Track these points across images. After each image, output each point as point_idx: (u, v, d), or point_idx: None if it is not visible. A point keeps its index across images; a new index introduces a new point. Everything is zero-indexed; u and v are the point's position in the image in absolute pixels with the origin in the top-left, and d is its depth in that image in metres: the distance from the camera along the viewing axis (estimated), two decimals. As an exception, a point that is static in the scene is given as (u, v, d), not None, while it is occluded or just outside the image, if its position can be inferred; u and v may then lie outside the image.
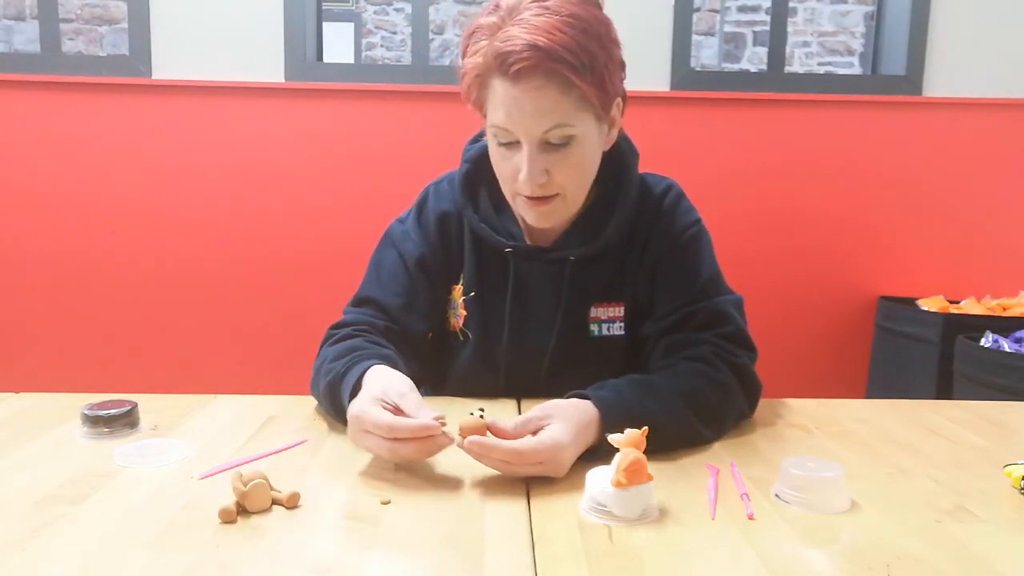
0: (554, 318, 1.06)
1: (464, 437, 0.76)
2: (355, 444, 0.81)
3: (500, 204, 1.06)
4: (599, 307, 1.07)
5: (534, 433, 0.79)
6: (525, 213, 1.00)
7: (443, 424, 0.77)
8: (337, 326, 1.05)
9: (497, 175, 1.00)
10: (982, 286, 2.42)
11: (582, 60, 0.87)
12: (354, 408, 0.80)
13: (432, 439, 0.77)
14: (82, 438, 0.89)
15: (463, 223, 1.09)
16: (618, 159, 1.05)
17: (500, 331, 1.08)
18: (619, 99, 0.98)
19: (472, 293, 1.09)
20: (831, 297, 2.49)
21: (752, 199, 2.46)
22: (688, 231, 1.06)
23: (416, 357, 1.06)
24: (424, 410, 0.78)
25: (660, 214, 1.07)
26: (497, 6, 0.91)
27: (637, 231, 1.06)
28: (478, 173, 1.07)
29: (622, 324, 1.07)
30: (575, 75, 0.87)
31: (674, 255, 1.05)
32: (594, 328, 1.07)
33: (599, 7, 0.93)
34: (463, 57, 0.94)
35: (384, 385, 0.83)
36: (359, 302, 1.09)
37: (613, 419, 0.82)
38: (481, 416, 0.77)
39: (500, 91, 0.90)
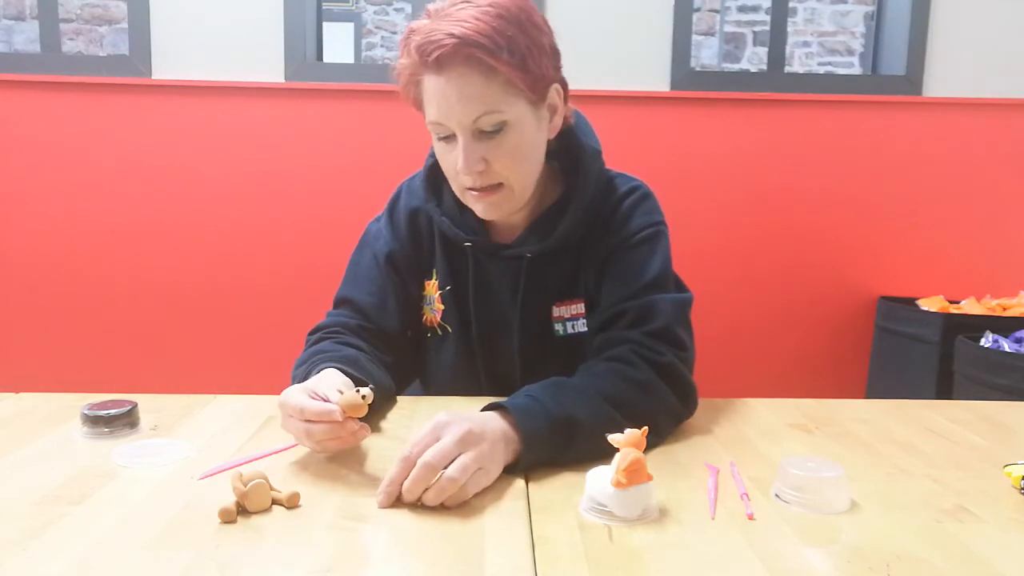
0: (513, 315, 1.07)
1: (343, 413, 0.76)
2: (285, 430, 0.83)
3: None
4: (560, 306, 1.08)
5: None
6: (474, 206, 1.01)
7: (364, 399, 0.76)
8: (314, 330, 1.07)
9: (444, 171, 1.02)
10: (982, 286, 2.42)
11: (498, 43, 0.90)
12: (281, 396, 0.82)
13: (339, 425, 0.76)
14: (82, 438, 0.89)
15: (432, 217, 1.11)
16: (577, 156, 1.05)
17: (471, 326, 1.09)
18: (556, 86, 0.99)
19: (448, 287, 1.11)
20: (831, 297, 2.50)
21: (752, 199, 2.46)
22: (642, 232, 1.05)
23: (393, 352, 1.07)
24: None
25: (617, 213, 1.06)
26: (428, 12, 0.94)
27: (595, 230, 1.07)
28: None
29: (585, 321, 1.08)
30: (493, 59, 0.90)
31: (622, 254, 1.04)
32: (559, 327, 1.08)
33: None
34: (398, 60, 0.97)
35: (320, 380, 0.85)
36: (337, 303, 1.12)
37: (528, 421, 0.81)
38: (363, 397, 0.76)
39: (429, 87, 0.93)
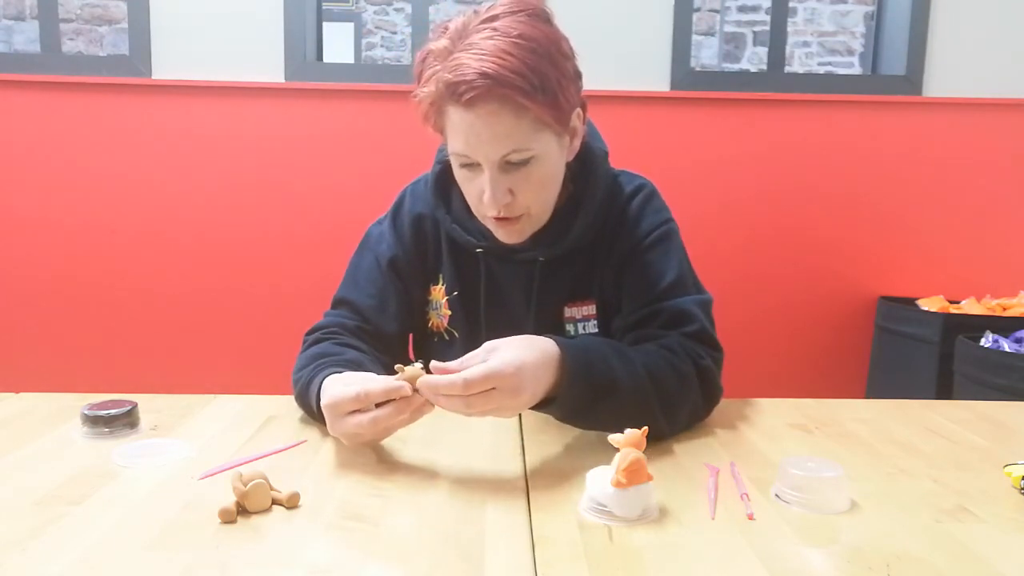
0: (527, 318, 1.07)
1: (410, 387, 0.78)
2: (338, 435, 0.82)
3: None
4: (572, 307, 1.08)
5: None
6: (495, 231, 1.01)
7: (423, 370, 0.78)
8: (312, 330, 1.07)
9: (465, 196, 1.01)
10: (982, 286, 2.42)
11: (533, 83, 0.87)
12: (325, 400, 0.82)
13: (406, 401, 0.78)
14: (82, 438, 0.89)
15: (439, 223, 1.11)
16: (586, 159, 1.05)
17: (480, 331, 1.09)
18: (578, 109, 0.98)
19: (455, 293, 1.11)
20: (831, 297, 2.50)
21: (752, 199, 2.47)
22: (655, 232, 1.06)
23: (390, 355, 1.07)
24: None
25: (627, 214, 1.07)
26: (446, 29, 0.91)
27: (605, 231, 1.07)
28: (450, 173, 1.07)
29: (596, 322, 1.08)
30: (527, 99, 0.87)
31: (639, 255, 1.05)
32: (570, 328, 1.08)
33: (549, 22, 0.93)
34: (417, 83, 0.94)
35: (347, 377, 0.85)
36: (336, 303, 1.11)
37: (575, 362, 0.84)
38: (423, 368, 0.79)
39: (456, 118, 0.91)
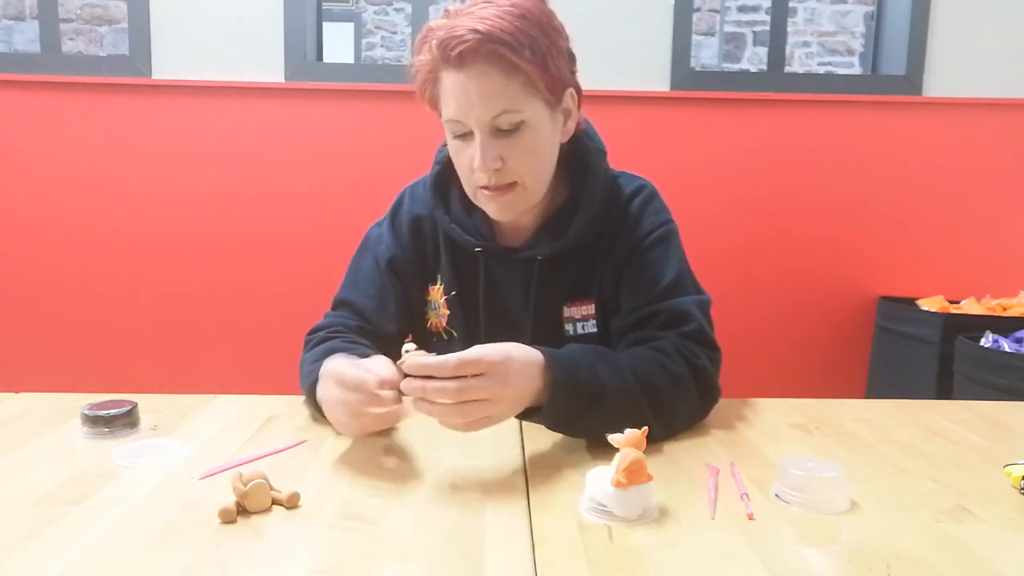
0: (525, 317, 1.07)
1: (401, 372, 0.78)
2: (330, 419, 0.85)
3: (471, 204, 1.07)
4: (571, 306, 1.08)
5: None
6: (486, 206, 1.01)
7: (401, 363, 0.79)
8: (314, 331, 1.07)
9: (457, 170, 1.03)
10: (982, 286, 2.42)
11: (522, 42, 0.91)
12: (320, 393, 0.85)
13: (382, 399, 0.78)
14: (82, 438, 0.89)
15: (437, 224, 1.11)
16: (583, 158, 1.06)
17: (479, 330, 1.09)
18: (571, 90, 1.00)
19: (454, 293, 1.11)
20: (831, 297, 2.49)
21: (752, 199, 2.46)
22: (655, 232, 1.06)
23: (391, 356, 1.07)
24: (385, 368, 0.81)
25: (628, 215, 1.07)
26: (447, 11, 0.95)
27: (605, 231, 1.07)
28: (449, 174, 1.08)
29: (595, 322, 1.08)
30: (516, 56, 0.90)
31: (639, 256, 1.05)
32: (569, 328, 1.08)
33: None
34: (415, 57, 0.97)
35: (344, 361, 0.85)
36: (336, 304, 1.12)
37: (559, 370, 0.84)
38: (416, 348, 0.80)
39: (448, 82, 0.94)
